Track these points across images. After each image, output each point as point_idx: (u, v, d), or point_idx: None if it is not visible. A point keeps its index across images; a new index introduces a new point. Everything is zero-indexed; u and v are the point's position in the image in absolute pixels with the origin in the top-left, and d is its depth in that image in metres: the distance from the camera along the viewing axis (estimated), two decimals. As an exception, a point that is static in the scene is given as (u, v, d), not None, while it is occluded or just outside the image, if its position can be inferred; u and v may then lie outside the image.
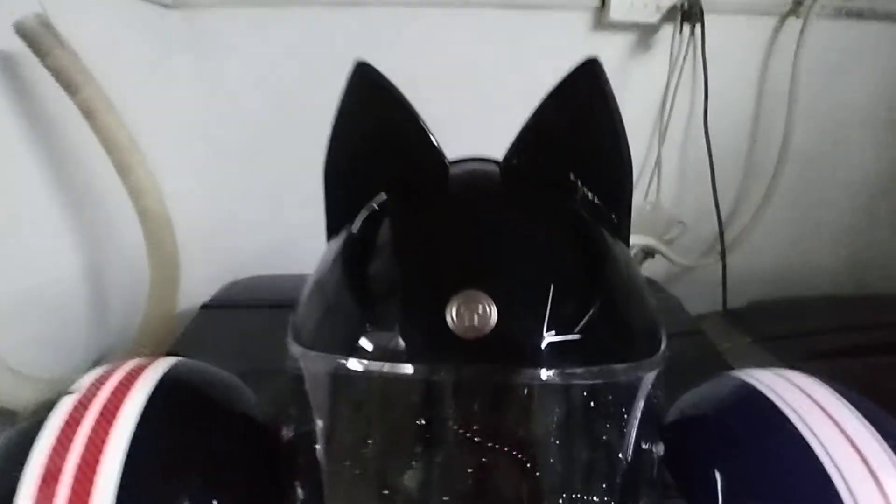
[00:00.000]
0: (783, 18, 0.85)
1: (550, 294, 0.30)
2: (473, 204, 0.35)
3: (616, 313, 0.32)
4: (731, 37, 0.83)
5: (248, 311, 0.72)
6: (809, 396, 0.32)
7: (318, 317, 0.34)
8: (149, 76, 0.75)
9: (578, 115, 0.35)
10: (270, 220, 0.90)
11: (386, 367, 0.29)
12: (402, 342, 0.30)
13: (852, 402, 0.31)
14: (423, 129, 0.34)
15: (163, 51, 0.78)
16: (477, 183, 0.37)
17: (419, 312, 0.30)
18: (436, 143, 0.35)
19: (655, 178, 0.88)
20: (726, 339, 0.70)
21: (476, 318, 0.28)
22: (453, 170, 0.36)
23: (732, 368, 0.39)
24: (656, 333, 0.34)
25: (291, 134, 0.76)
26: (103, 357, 0.68)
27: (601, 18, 0.81)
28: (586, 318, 0.30)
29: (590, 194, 0.36)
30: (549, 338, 0.29)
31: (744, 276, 0.92)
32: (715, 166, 0.87)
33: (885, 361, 0.63)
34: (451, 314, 0.28)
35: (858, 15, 0.85)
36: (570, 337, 0.30)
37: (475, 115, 0.78)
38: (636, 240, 0.86)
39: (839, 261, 0.99)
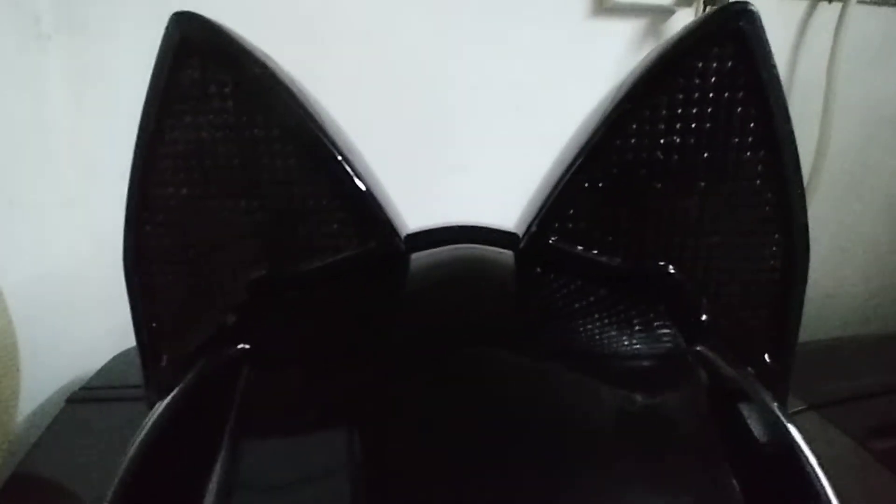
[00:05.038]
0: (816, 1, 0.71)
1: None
2: (465, 358, 0.17)
3: None
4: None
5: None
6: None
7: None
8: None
9: (710, 136, 0.18)
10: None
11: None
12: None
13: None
14: (337, 156, 0.17)
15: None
16: (467, 299, 0.18)
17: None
18: (377, 200, 0.17)
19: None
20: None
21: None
22: (416, 261, 0.18)
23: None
24: None
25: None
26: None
27: (602, 1, 0.66)
28: None
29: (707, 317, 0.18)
30: None
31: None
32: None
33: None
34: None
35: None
36: None
37: (443, 127, 0.64)
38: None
39: (873, 288, 0.86)
